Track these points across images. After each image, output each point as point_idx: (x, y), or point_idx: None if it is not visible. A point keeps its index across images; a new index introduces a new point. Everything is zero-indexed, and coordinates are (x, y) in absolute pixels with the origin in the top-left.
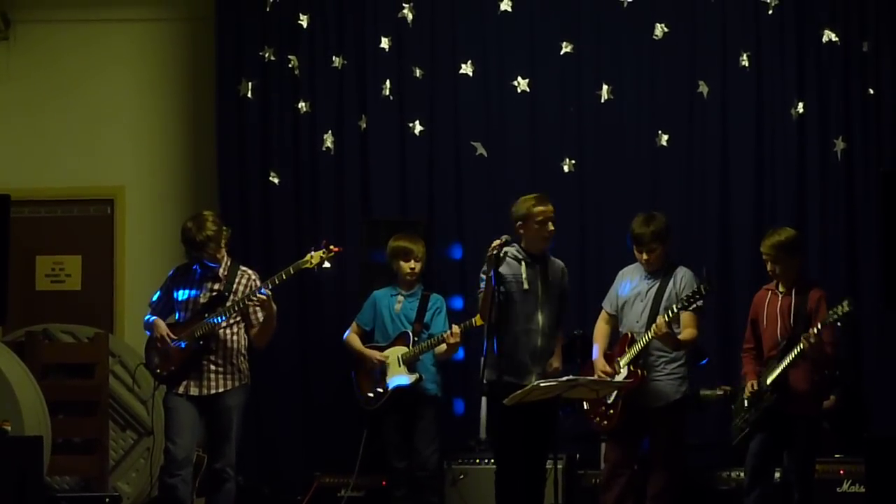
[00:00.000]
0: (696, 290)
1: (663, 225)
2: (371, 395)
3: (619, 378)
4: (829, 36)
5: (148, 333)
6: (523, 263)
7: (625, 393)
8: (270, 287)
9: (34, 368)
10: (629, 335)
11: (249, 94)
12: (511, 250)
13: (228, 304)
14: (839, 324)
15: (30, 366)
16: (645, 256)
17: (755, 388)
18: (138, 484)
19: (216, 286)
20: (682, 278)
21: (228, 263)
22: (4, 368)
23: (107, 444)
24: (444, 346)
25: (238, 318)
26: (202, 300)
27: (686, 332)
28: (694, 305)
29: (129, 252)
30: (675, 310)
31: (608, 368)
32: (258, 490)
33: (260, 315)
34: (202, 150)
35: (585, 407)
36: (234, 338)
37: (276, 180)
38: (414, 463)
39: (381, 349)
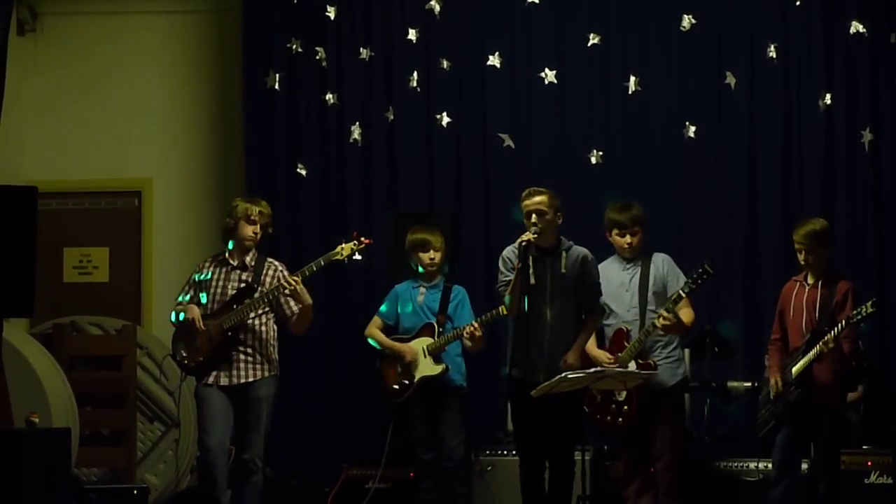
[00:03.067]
0: (702, 270)
1: (641, 211)
2: (396, 386)
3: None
4: (856, 27)
5: (174, 328)
6: (531, 258)
7: (634, 387)
8: (300, 279)
9: (62, 360)
10: (624, 329)
11: (277, 86)
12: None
13: (257, 295)
14: (862, 324)
15: (57, 358)
16: (628, 240)
17: (779, 383)
18: (166, 475)
19: (244, 276)
20: (664, 262)
21: (255, 255)
22: (32, 360)
23: (134, 435)
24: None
25: (267, 309)
26: (230, 291)
27: (685, 313)
28: (699, 284)
29: (156, 244)
30: (684, 293)
31: (610, 356)
32: (286, 482)
33: (294, 307)
34: (230, 142)
35: (587, 410)
36: (264, 328)
37: (303, 172)
38: (440, 454)
39: (405, 341)
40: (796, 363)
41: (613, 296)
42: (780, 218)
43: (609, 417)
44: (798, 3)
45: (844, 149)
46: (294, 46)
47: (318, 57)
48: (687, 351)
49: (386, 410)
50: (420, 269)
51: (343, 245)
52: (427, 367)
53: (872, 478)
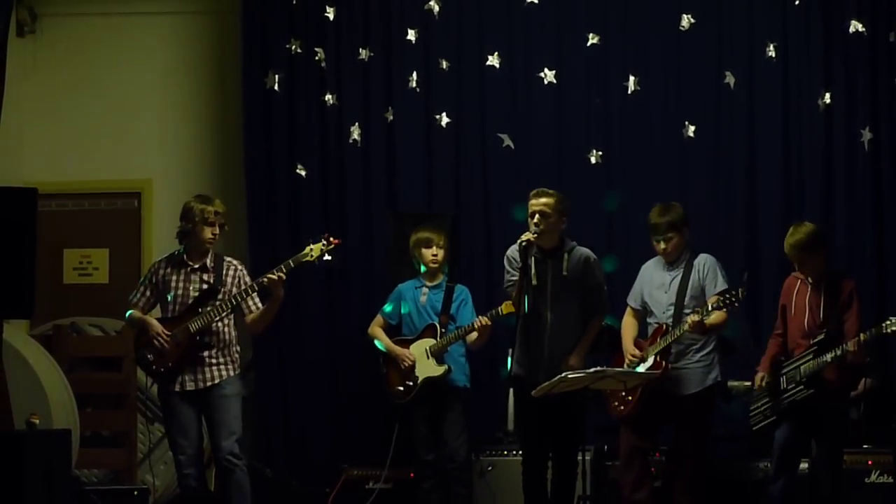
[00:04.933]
0: (735, 292)
1: (680, 214)
2: (401, 388)
3: (644, 366)
4: (855, 26)
5: (132, 329)
6: (533, 259)
7: (646, 382)
8: (266, 283)
9: (62, 362)
10: (664, 326)
11: (276, 87)
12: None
13: (221, 297)
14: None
15: (58, 359)
16: (662, 246)
17: (764, 381)
18: (166, 477)
19: (205, 277)
20: (705, 265)
21: (213, 255)
22: (32, 362)
23: (135, 437)
24: (474, 335)
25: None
26: (193, 293)
27: (714, 315)
28: (728, 307)
29: (156, 245)
30: (711, 308)
31: (637, 351)
32: (286, 483)
33: (253, 306)
34: (229, 143)
35: (606, 392)
36: (226, 329)
37: (302, 173)
38: (442, 455)
39: (409, 342)
40: (805, 362)
41: (651, 296)
42: (779, 217)
43: (615, 402)
44: (797, 2)
45: (844, 148)
46: (293, 47)
47: (317, 57)
48: None
49: (386, 411)
50: (422, 268)
51: (312, 246)
52: (430, 369)
53: (873, 477)
